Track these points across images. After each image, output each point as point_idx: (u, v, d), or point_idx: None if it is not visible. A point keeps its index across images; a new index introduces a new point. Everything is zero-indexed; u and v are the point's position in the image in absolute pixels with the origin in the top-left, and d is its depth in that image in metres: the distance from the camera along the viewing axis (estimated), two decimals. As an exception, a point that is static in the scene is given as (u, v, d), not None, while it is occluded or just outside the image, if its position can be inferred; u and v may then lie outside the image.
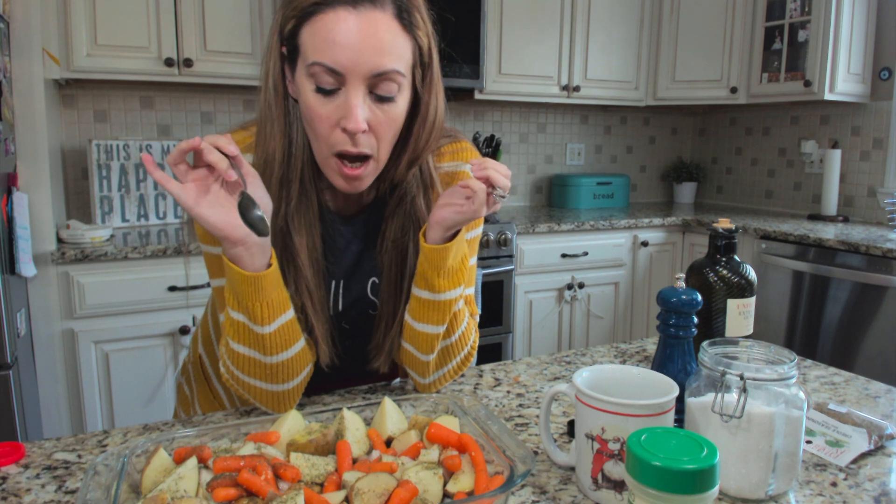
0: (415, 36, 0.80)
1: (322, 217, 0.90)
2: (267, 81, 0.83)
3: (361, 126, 0.77)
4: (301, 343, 0.85)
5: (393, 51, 0.77)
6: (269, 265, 0.78)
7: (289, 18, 0.79)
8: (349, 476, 0.62)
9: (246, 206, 0.72)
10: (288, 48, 0.81)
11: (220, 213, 0.73)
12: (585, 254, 2.90)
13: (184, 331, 2.16)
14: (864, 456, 0.79)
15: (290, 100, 0.84)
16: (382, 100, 0.79)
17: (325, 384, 0.98)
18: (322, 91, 0.78)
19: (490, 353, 2.73)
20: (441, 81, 0.87)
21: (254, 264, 0.76)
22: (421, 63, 0.83)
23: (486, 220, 2.66)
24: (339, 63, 0.75)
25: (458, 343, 0.92)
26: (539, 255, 2.79)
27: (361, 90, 0.77)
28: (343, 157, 0.81)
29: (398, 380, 1.05)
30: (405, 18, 0.78)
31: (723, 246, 0.95)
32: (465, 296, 0.91)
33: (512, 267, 2.68)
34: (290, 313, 0.82)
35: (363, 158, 0.82)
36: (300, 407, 0.90)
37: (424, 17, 0.82)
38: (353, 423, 0.70)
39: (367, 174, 0.83)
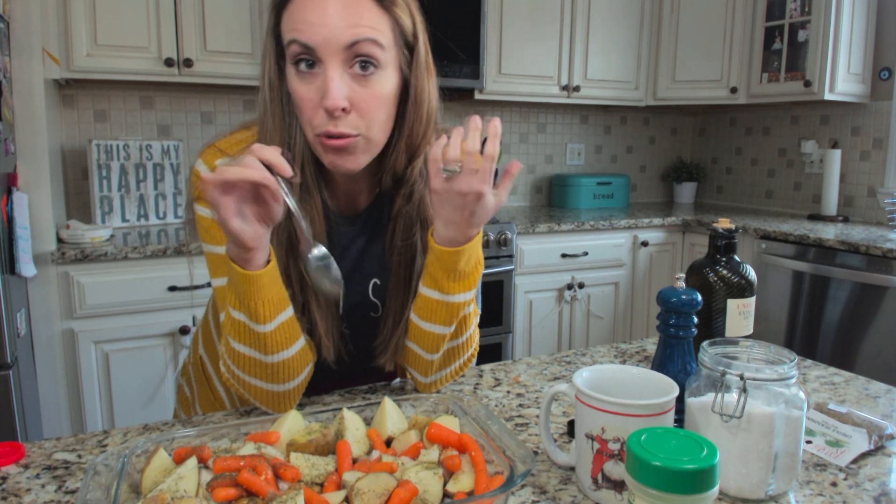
0: (393, 14, 0.81)
1: (325, 215, 0.90)
2: (264, 79, 0.84)
3: (339, 103, 0.77)
4: (301, 342, 0.85)
5: (366, 23, 0.78)
6: (268, 262, 0.78)
7: (272, 13, 0.81)
8: (349, 476, 0.62)
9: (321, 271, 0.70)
10: (276, 43, 0.82)
11: (246, 225, 0.71)
12: (585, 254, 2.90)
13: (184, 331, 2.16)
14: (864, 456, 0.79)
15: (287, 97, 0.84)
16: (363, 73, 0.79)
17: (325, 384, 0.98)
18: (301, 71, 0.79)
19: (490, 353, 2.73)
20: (433, 67, 0.87)
21: (256, 262, 0.76)
22: (406, 45, 0.83)
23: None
24: (311, 38, 0.76)
25: (465, 345, 0.92)
26: (539, 255, 2.79)
27: (338, 66, 0.78)
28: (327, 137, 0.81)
29: (398, 380, 1.05)
30: None
31: (723, 246, 0.94)
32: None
33: (512, 267, 2.68)
34: (290, 311, 0.82)
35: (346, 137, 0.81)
36: (300, 407, 0.90)
37: None
38: (353, 423, 0.70)
39: (356, 149, 0.82)
